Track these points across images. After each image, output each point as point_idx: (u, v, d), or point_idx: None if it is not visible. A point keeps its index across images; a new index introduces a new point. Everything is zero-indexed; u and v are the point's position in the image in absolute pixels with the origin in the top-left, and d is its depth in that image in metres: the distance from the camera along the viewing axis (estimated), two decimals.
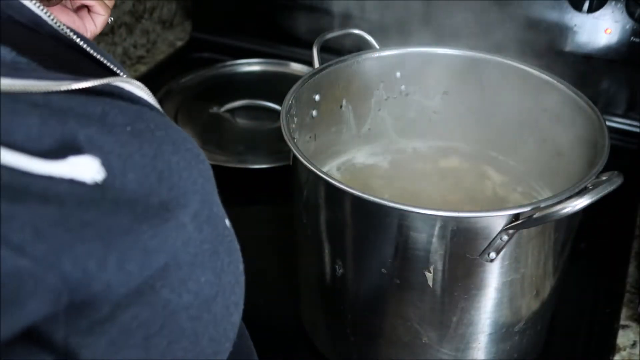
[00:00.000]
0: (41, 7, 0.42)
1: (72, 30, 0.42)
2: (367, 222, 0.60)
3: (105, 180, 0.33)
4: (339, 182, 0.58)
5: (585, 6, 0.96)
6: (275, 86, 1.11)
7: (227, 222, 0.41)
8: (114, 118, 0.35)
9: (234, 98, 1.10)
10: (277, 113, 1.05)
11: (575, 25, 0.99)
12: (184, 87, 1.13)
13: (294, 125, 0.70)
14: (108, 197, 0.32)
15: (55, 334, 0.29)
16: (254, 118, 1.08)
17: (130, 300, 0.32)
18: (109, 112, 0.35)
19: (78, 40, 0.42)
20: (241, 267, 0.42)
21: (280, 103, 0.70)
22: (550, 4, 0.98)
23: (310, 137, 0.77)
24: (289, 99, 0.69)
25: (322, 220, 0.64)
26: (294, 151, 0.61)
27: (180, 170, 0.37)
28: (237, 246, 0.42)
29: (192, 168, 0.38)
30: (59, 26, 0.41)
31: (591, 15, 0.97)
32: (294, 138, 0.64)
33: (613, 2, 0.96)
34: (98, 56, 0.43)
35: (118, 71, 0.43)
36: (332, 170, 0.81)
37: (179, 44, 1.30)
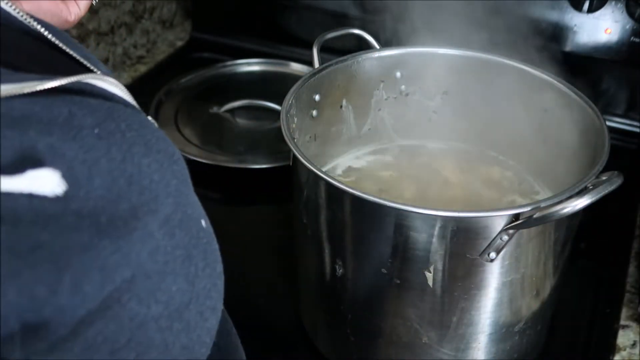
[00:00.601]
0: (8, 3, 0.40)
1: (43, 25, 0.40)
2: (367, 222, 0.60)
3: (68, 191, 0.31)
4: (339, 182, 0.58)
5: (585, 6, 0.96)
6: (275, 86, 1.11)
7: (204, 223, 0.40)
8: (81, 120, 0.34)
9: (234, 98, 1.10)
10: (277, 113, 1.05)
11: (575, 25, 0.99)
12: (184, 87, 1.13)
13: (294, 125, 0.70)
14: (70, 209, 0.31)
15: (13, 355, 0.28)
16: (254, 118, 1.08)
17: (93, 317, 0.31)
18: (76, 113, 0.34)
19: (48, 35, 0.40)
20: (219, 268, 0.41)
21: (280, 103, 0.70)
22: (550, 4, 0.98)
23: (310, 137, 0.77)
24: (289, 99, 0.69)
25: (322, 220, 0.64)
26: (294, 151, 0.61)
27: (151, 173, 0.35)
28: (215, 247, 0.41)
29: (164, 170, 0.37)
30: (28, 21, 0.40)
31: (591, 15, 0.97)
32: (294, 138, 0.64)
33: (613, 2, 0.96)
34: (70, 51, 0.41)
35: (91, 66, 0.41)
36: (332, 170, 0.81)
37: (179, 44, 1.30)
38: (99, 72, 0.41)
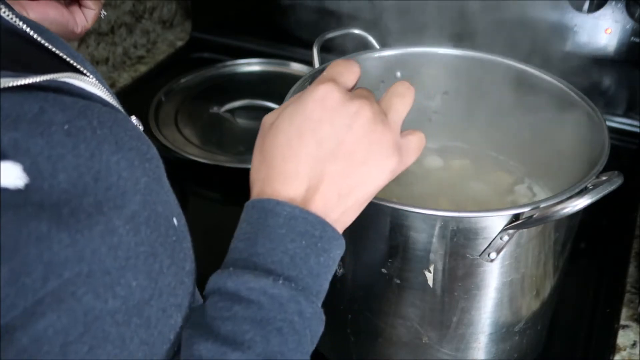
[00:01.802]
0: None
1: (29, 25, 0.40)
2: (367, 222, 0.60)
3: (30, 185, 0.32)
4: None
5: (586, 6, 0.96)
6: (275, 86, 1.11)
7: (176, 220, 0.41)
8: (51, 116, 0.34)
9: (234, 98, 1.10)
10: None
11: (575, 25, 0.99)
12: (184, 87, 1.13)
13: None
14: (31, 201, 0.32)
15: None
16: (254, 118, 1.08)
17: (44, 308, 0.31)
18: (47, 109, 0.35)
19: (34, 34, 0.40)
20: (189, 266, 0.42)
21: (280, 103, 0.69)
22: (550, 4, 0.98)
23: None
24: (289, 99, 0.69)
25: None
26: None
27: (120, 170, 0.36)
28: (186, 245, 0.42)
29: (134, 168, 0.37)
30: (14, 21, 0.40)
31: (591, 15, 0.97)
32: None
33: (613, 2, 0.96)
34: (56, 50, 0.42)
35: (77, 65, 0.42)
36: None
37: (179, 44, 1.30)
38: (86, 71, 0.42)
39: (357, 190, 0.46)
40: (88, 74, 0.42)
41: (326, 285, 0.45)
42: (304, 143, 0.45)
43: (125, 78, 1.18)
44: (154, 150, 0.41)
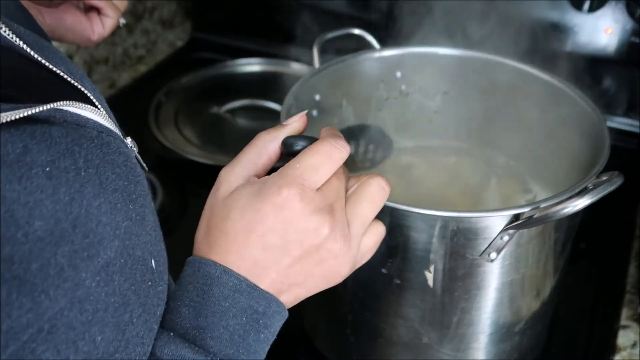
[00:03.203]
0: None
1: (26, 41, 0.38)
2: None
3: (2, 235, 0.30)
4: None
5: (586, 6, 0.96)
6: (275, 86, 1.11)
7: (154, 262, 0.39)
8: (34, 156, 0.32)
9: (234, 98, 1.10)
10: (277, 113, 1.05)
11: (575, 25, 0.99)
12: (184, 87, 1.13)
13: None
14: (1, 254, 0.30)
15: None
16: (254, 118, 1.08)
17: None
18: (31, 149, 0.32)
19: (31, 52, 0.38)
20: (160, 311, 0.41)
21: (280, 103, 0.70)
22: (550, 4, 0.98)
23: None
24: (289, 99, 0.69)
25: None
26: None
27: (100, 215, 0.34)
28: (161, 288, 0.41)
29: (117, 211, 0.35)
30: (11, 37, 0.38)
31: (591, 15, 0.97)
32: None
33: (613, 2, 0.96)
34: (54, 68, 0.39)
35: (75, 83, 0.40)
36: None
37: (179, 44, 1.30)
38: (82, 89, 0.40)
39: (302, 290, 0.46)
40: (86, 91, 0.40)
41: (263, 355, 0.45)
42: (249, 243, 0.44)
43: (125, 78, 1.18)
44: (141, 188, 0.39)
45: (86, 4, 0.64)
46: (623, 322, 0.75)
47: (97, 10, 0.64)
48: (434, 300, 0.61)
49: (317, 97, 0.75)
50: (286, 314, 0.46)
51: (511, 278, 0.61)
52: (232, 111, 1.09)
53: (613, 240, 0.88)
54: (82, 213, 0.33)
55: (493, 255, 0.57)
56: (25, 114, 0.32)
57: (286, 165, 0.45)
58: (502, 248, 0.57)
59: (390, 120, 0.83)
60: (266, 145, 0.48)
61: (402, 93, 0.81)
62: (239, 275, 0.43)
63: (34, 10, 0.60)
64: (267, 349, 0.45)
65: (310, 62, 0.77)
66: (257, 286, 0.44)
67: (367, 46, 0.79)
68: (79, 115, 0.37)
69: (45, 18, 0.62)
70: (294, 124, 0.49)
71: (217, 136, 1.03)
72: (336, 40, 0.79)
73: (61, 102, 0.35)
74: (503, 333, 0.65)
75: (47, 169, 0.33)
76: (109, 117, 0.41)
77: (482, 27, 0.87)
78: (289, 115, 0.68)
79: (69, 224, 0.33)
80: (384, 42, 0.80)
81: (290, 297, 0.46)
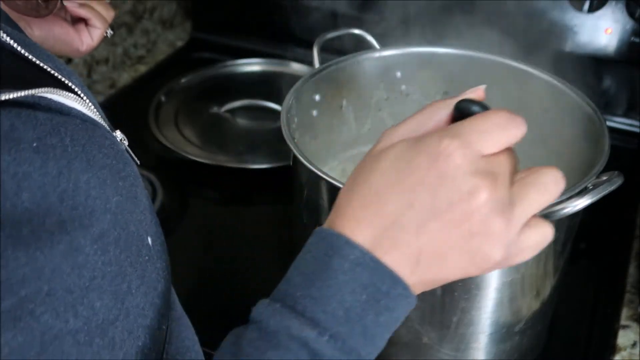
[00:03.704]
0: None
1: (11, 36, 0.39)
2: None
3: None
4: (339, 182, 0.58)
5: (586, 6, 0.96)
6: (275, 86, 1.11)
7: (150, 240, 0.39)
8: (22, 133, 0.34)
9: (234, 98, 1.10)
10: (277, 113, 1.05)
11: (575, 25, 0.99)
12: (184, 87, 1.13)
13: (294, 125, 0.70)
14: None
15: None
16: (254, 118, 1.08)
17: None
18: (18, 127, 0.34)
19: (17, 46, 0.39)
20: (161, 287, 0.40)
21: (280, 103, 0.70)
22: (550, 4, 0.98)
23: (310, 137, 0.77)
24: (289, 99, 0.69)
25: (322, 220, 0.64)
26: (294, 151, 0.61)
27: (89, 189, 0.35)
28: (160, 265, 0.41)
29: (106, 186, 0.36)
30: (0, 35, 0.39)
31: (591, 15, 0.97)
32: (294, 138, 0.64)
33: (613, 2, 0.96)
34: (41, 63, 0.40)
35: (63, 78, 0.41)
36: (332, 170, 0.81)
37: (179, 44, 1.30)
38: (69, 84, 0.40)
39: (442, 270, 0.40)
40: (73, 86, 0.41)
41: (381, 345, 0.40)
42: (392, 199, 0.39)
43: (125, 78, 1.18)
44: (131, 169, 0.40)
45: (73, 16, 0.64)
46: (623, 322, 0.75)
47: (85, 22, 0.65)
48: (434, 300, 0.61)
49: (317, 97, 0.75)
50: (413, 301, 0.40)
51: (511, 278, 0.61)
52: (232, 111, 1.09)
53: (613, 240, 0.88)
54: (70, 187, 0.34)
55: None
56: (9, 97, 0.33)
57: (454, 124, 0.40)
58: None
59: (390, 120, 0.83)
60: (437, 111, 0.43)
61: (402, 93, 0.81)
62: (364, 248, 0.39)
63: (22, 22, 0.61)
64: (387, 337, 0.40)
65: (310, 62, 0.77)
66: (383, 263, 0.39)
67: (367, 46, 0.79)
68: (62, 104, 0.38)
69: (34, 30, 0.63)
70: (471, 95, 0.44)
71: (217, 136, 1.03)
72: (336, 40, 0.79)
73: (44, 89, 0.36)
74: (503, 333, 0.65)
75: (35, 144, 0.34)
76: (97, 111, 0.41)
77: (482, 27, 0.86)
78: (289, 115, 0.68)
79: (56, 197, 0.34)
80: (384, 42, 0.80)
81: (424, 276, 0.40)
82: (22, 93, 0.35)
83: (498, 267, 0.41)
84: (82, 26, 0.65)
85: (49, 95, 0.37)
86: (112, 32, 0.68)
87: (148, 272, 0.39)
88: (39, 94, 0.36)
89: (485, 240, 0.39)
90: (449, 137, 0.38)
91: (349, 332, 0.38)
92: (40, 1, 0.48)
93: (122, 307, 0.36)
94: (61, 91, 0.38)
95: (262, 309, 0.40)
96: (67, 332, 0.33)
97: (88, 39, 0.65)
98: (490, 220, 0.38)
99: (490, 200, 0.38)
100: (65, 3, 0.62)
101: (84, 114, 0.39)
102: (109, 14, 0.67)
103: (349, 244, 0.39)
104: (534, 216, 0.41)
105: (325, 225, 0.42)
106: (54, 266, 0.33)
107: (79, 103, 0.39)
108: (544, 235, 0.41)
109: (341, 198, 0.42)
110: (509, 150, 0.41)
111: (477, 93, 0.44)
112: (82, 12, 0.63)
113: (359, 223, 0.40)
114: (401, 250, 0.39)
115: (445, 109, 0.42)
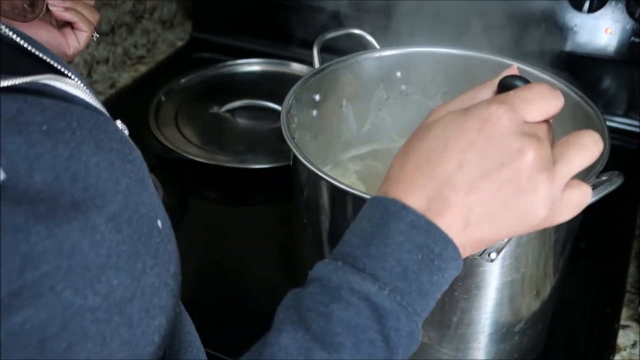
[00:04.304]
0: None
1: (12, 29, 0.40)
2: None
3: (5, 182, 0.32)
4: (339, 182, 0.58)
5: (586, 6, 0.96)
6: (275, 86, 1.11)
7: (160, 222, 0.40)
8: (30, 117, 0.34)
9: (234, 98, 1.10)
10: (277, 113, 1.05)
11: (575, 25, 0.99)
12: (184, 87, 1.13)
13: (294, 125, 0.70)
14: (7, 197, 0.32)
15: None
16: (254, 118, 1.08)
17: (21, 302, 0.31)
18: (25, 111, 0.34)
19: (15, 37, 0.40)
20: (173, 269, 0.41)
21: (280, 103, 0.70)
22: (550, 4, 0.99)
23: (310, 137, 0.77)
24: (289, 99, 0.69)
25: (322, 220, 0.64)
26: (294, 151, 0.61)
27: (99, 170, 0.36)
28: (171, 248, 0.41)
29: (115, 168, 0.37)
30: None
31: (591, 15, 0.97)
32: (294, 138, 0.64)
33: (613, 2, 0.96)
34: (40, 54, 0.41)
35: (62, 69, 0.42)
36: (332, 170, 0.81)
37: (179, 44, 1.30)
38: (70, 73, 0.41)
39: (491, 228, 0.42)
40: (72, 76, 0.41)
41: (432, 305, 0.43)
42: (443, 161, 0.41)
43: (125, 78, 1.18)
44: (136, 153, 0.40)
45: (59, 20, 0.65)
46: (623, 322, 0.75)
47: (71, 25, 0.65)
48: None
49: (317, 97, 0.75)
50: (461, 264, 0.42)
51: (511, 278, 0.61)
52: (232, 111, 1.09)
53: (613, 240, 0.88)
54: (81, 169, 0.35)
55: (493, 255, 0.57)
56: (14, 82, 0.34)
57: (500, 94, 0.44)
58: (502, 248, 0.57)
59: (390, 120, 0.83)
60: (481, 90, 0.46)
61: (402, 93, 0.81)
62: (418, 212, 0.41)
63: None
64: (437, 298, 0.43)
65: (310, 62, 0.77)
66: (436, 225, 0.41)
67: (367, 46, 0.79)
68: (65, 92, 0.39)
69: None
70: (509, 72, 0.47)
71: (217, 136, 1.03)
72: (336, 40, 0.79)
73: (47, 76, 0.37)
74: (503, 333, 0.65)
75: (44, 127, 0.34)
76: (96, 100, 0.42)
77: (482, 27, 0.87)
78: (289, 115, 0.68)
79: (69, 178, 0.34)
80: (384, 42, 0.80)
81: (474, 236, 0.42)
82: (27, 79, 0.35)
83: (542, 225, 0.43)
84: (68, 30, 0.65)
85: (52, 83, 0.38)
86: (97, 35, 0.68)
87: (160, 253, 0.39)
88: (42, 81, 0.37)
89: (532, 197, 0.41)
90: (496, 102, 0.42)
91: (406, 288, 0.40)
92: (26, 6, 0.49)
93: (138, 286, 0.37)
94: (64, 78, 0.39)
95: (322, 268, 0.42)
96: (86, 309, 0.34)
97: (75, 42, 0.65)
98: (536, 178, 0.41)
99: (537, 158, 0.41)
100: (50, 7, 0.62)
101: (86, 102, 0.40)
102: (94, 17, 0.67)
103: (404, 208, 0.41)
104: (574, 178, 0.43)
105: (380, 192, 0.44)
106: (72, 242, 0.33)
107: (81, 91, 0.40)
108: (584, 195, 0.44)
109: (394, 167, 0.44)
110: (547, 122, 0.44)
111: (513, 70, 0.47)
112: (68, 16, 0.64)
113: (413, 186, 0.42)
114: (452, 210, 0.41)
115: (489, 89, 0.46)
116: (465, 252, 0.43)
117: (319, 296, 0.40)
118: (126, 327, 0.36)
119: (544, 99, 0.43)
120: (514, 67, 0.48)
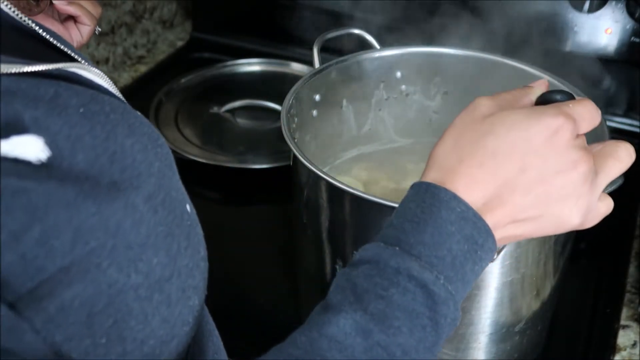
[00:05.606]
0: (7, 4, 0.41)
1: (32, 20, 0.41)
2: (367, 222, 0.60)
3: (51, 160, 0.33)
4: (339, 182, 0.58)
5: (586, 6, 0.96)
6: (275, 86, 1.11)
7: (189, 207, 0.41)
8: (67, 100, 0.35)
9: (234, 98, 1.10)
10: (277, 113, 1.05)
11: (575, 25, 0.99)
12: (184, 87, 1.13)
13: (294, 125, 0.70)
14: (54, 175, 0.32)
15: None
16: (254, 118, 1.08)
17: (70, 278, 0.32)
18: (62, 93, 0.35)
19: (38, 29, 0.41)
20: (202, 252, 0.42)
21: (280, 103, 0.70)
22: (550, 4, 0.99)
23: (310, 137, 0.77)
24: (289, 99, 0.69)
25: (322, 220, 0.64)
26: (294, 151, 0.61)
27: (134, 153, 0.37)
28: (199, 231, 0.42)
29: (148, 151, 0.38)
30: (19, 17, 0.41)
31: (591, 15, 0.97)
32: (294, 138, 0.64)
33: (613, 2, 0.96)
34: (61, 46, 0.43)
35: (81, 60, 0.43)
36: (332, 170, 0.81)
37: (179, 44, 1.30)
38: (86, 64, 0.42)
39: (529, 227, 0.45)
40: (94, 68, 0.43)
41: (467, 291, 0.44)
42: (509, 162, 0.43)
43: (125, 78, 1.18)
44: (163, 139, 0.42)
45: (62, 14, 0.65)
46: (623, 322, 0.75)
47: (74, 19, 0.65)
48: None
49: (317, 97, 0.75)
50: (493, 256, 0.45)
51: (511, 278, 0.61)
52: (232, 111, 1.08)
53: (613, 240, 0.88)
54: (118, 150, 0.36)
55: (493, 255, 0.57)
56: (45, 68, 0.36)
57: (561, 103, 0.46)
58: (502, 248, 0.57)
59: (390, 120, 0.83)
60: (523, 97, 0.48)
61: (402, 93, 0.81)
62: (467, 203, 0.43)
63: None
64: (472, 285, 0.45)
65: (310, 62, 0.77)
66: (483, 219, 0.43)
67: (367, 46, 0.80)
68: (91, 80, 0.40)
69: None
70: (541, 86, 0.50)
71: (217, 136, 1.03)
72: (336, 40, 0.79)
73: (76, 64, 0.39)
74: (503, 333, 0.65)
75: (81, 110, 0.36)
76: (118, 92, 0.44)
77: (482, 27, 0.87)
78: (289, 115, 0.68)
79: (107, 159, 0.35)
80: (384, 42, 0.80)
81: (512, 232, 0.45)
82: (58, 65, 0.37)
83: (570, 229, 0.46)
84: (71, 24, 0.65)
85: (79, 71, 0.40)
86: (100, 30, 0.68)
87: (192, 235, 0.40)
88: (71, 69, 0.39)
89: (573, 205, 0.45)
90: (563, 115, 0.44)
91: (454, 276, 0.42)
92: (31, 0, 0.49)
93: (175, 266, 0.37)
94: (90, 67, 0.41)
95: (378, 251, 0.43)
96: (129, 287, 0.34)
97: (78, 36, 0.66)
98: (582, 188, 0.44)
99: (588, 170, 0.44)
100: (54, 1, 0.62)
101: (110, 91, 0.42)
102: (97, 11, 0.67)
103: (455, 198, 0.43)
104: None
105: (429, 180, 0.45)
106: (117, 220, 0.34)
107: (104, 80, 0.42)
108: (608, 207, 0.48)
109: (446, 156, 0.46)
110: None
111: (544, 85, 0.50)
112: (71, 10, 0.64)
113: (473, 182, 0.43)
114: (505, 209, 0.43)
115: (530, 96, 0.48)
116: (499, 244, 0.45)
117: (376, 278, 0.42)
118: (165, 305, 0.37)
119: (592, 115, 0.46)
120: (545, 81, 0.51)
